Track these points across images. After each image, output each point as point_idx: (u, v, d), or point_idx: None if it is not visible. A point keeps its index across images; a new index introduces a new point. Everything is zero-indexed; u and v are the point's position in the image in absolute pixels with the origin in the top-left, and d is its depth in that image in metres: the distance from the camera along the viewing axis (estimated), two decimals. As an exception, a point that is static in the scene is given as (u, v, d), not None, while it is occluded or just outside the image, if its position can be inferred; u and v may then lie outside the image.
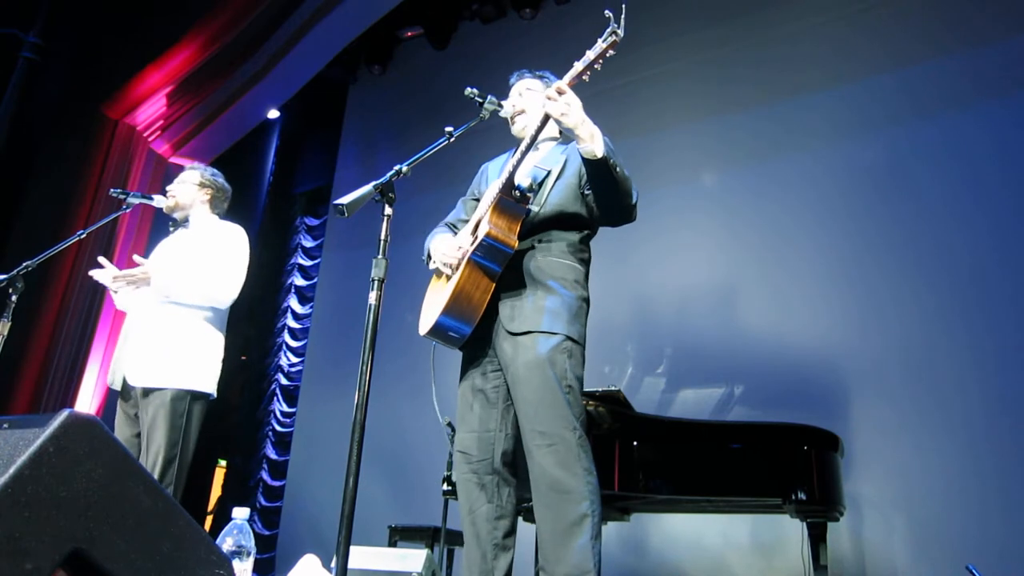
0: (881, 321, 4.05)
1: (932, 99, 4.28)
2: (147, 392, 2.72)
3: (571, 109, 1.90)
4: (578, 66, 1.93)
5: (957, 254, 3.94)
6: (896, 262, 4.09)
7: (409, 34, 7.01)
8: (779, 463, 2.89)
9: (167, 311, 2.81)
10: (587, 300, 2.13)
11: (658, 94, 5.24)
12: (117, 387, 2.83)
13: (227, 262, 2.89)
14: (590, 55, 1.91)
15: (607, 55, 1.90)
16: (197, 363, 2.80)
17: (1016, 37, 4.10)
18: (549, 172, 2.17)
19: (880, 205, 4.24)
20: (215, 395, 2.87)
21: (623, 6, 1.87)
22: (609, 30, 1.87)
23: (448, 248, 2.15)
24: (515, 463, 2.10)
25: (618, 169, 1.99)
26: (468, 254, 2.01)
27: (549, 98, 1.93)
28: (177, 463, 2.67)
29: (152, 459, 2.64)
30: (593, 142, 1.93)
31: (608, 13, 1.87)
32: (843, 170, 4.43)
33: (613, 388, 3.09)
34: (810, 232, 4.42)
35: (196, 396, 2.77)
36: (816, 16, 4.82)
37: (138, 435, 2.76)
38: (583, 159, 1.98)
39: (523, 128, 2.26)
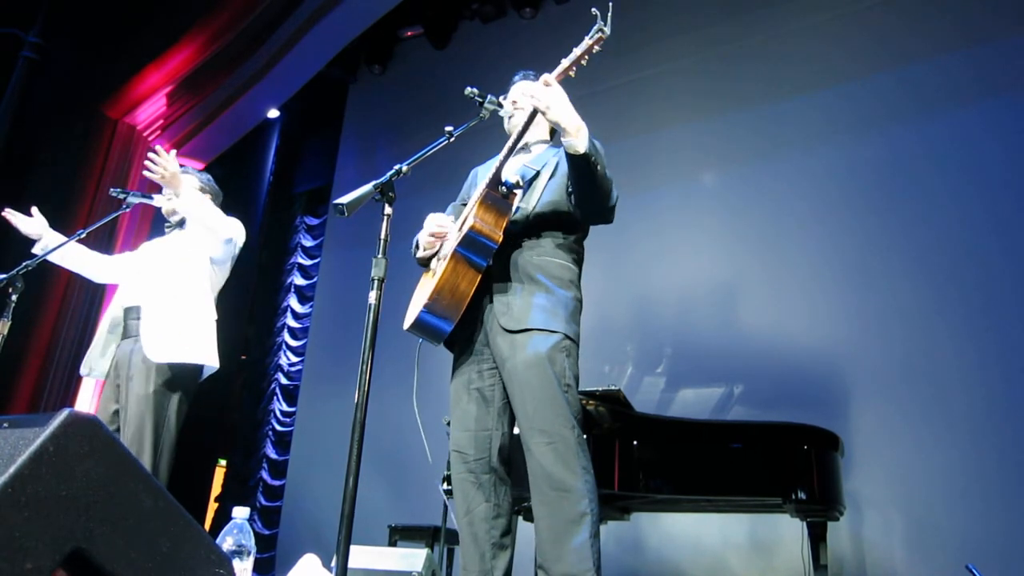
0: (882, 320, 4.05)
1: (934, 96, 4.28)
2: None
3: (554, 103, 1.91)
4: (565, 62, 1.95)
5: (959, 253, 3.94)
6: (898, 261, 4.09)
7: (409, 34, 7.02)
8: (779, 463, 2.89)
9: (169, 302, 2.84)
10: (581, 300, 2.13)
11: (658, 93, 5.24)
12: (94, 376, 2.87)
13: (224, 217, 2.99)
14: (577, 51, 1.93)
15: (593, 51, 1.92)
16: (192, 338, 2.84)
17: (1018, 34, 4.10)
18: (539, 172, 2.17)
19: (881, 203, 4.24)
20: (212, 367, 2.92)
21: (609, 4, 1.88)
22: (596, 27, 1.89)
23: (442, 218, 2.17)
24: (510, 462, 2.09)
25: (599, 168, 1.99)
26: (453, 247, 2.00)
27: (543, 85, 1.93)
28: (161, 440, 2.72)
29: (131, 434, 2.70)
30: (577, 137, 1.93)
31: (595, 11, 1.88)
32: (844, 168, 4.43)
33: (613, 388, 3.09)
34: (811, 231, 4.42)
35: (183, 371, 2.81)
36: (817, 14, 4.82)
37: (117, 412, 2.81)
38: (566, 153, 1.99)
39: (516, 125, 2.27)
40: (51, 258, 3.00)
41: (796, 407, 3.91)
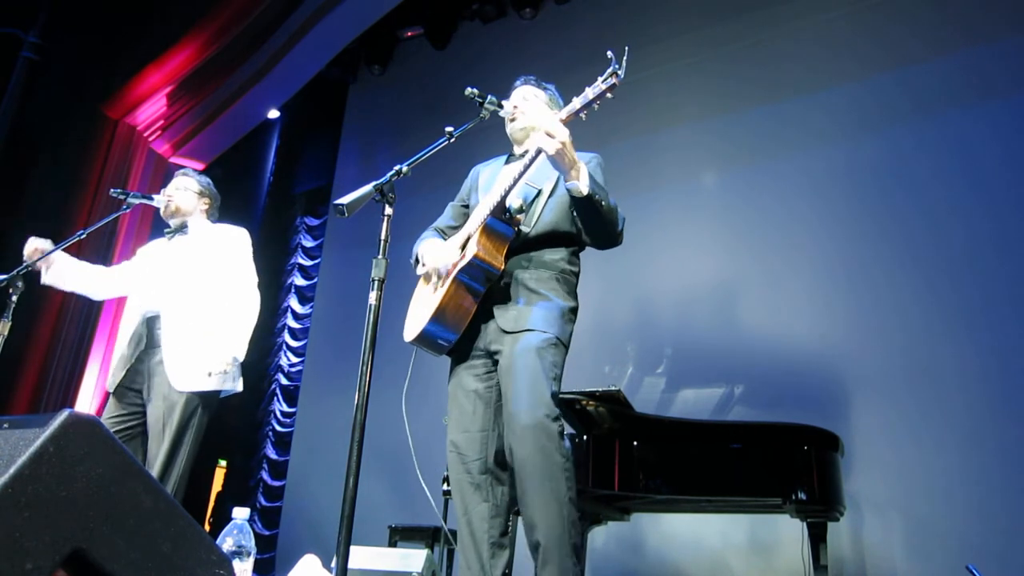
0: (881, 320, 4.05)
1: (934, 98, 4.28)
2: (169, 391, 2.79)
3: (566, 148, 1.90)
4: (576, 103, 1.91)
5: (958, 253, 3.94)
6: (897, 261, 4.09)
7: (409, 34, 7.02)
8: (779, 463, 2.89)
9: (189, 317, 2.86)
10: (576, 309, 2.17)
11: (659, 93, 5.24)
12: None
13: (243, 286, 2.99)
14: (589, 94, 1.89)
15: (606, 96, 1.88)
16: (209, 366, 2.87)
17: (1017, 35, 4.10)
18: (540, 191, 2.18)
19: (881, 204, 4.24)
20: (230, 391, 2.97)
21: (626, 48, 1.85)
22: (610, 71, 1.84)
23: (440, 255, 2.18)
24: (504, 461, 2.10)
25: (603, 203, 2.01)
26: (454, 273, 2.04)
27: (548, 134, 1.90)
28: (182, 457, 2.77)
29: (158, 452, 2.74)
30: (579, 179, 1.95)
31: (609, 54, 1.84)
32: (844, 169, 4.43)
33: (613, 388, 3.09)
34: (811, 231, 4.42)
35: (205, 396, 2.87)
36: (817, 15, 4.82)
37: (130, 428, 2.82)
38: (570, 194, 2.00)
39: (520, 128, 2.28)
40: (49, 280, 2.98)
41: (796, 407, 3.91)
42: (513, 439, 1.94)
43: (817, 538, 2.86)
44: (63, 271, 3.01)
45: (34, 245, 2.93)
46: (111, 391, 2.88)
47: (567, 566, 1.85)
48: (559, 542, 1.86)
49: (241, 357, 2.90)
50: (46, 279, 2.98)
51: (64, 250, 2.99)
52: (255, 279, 3.03)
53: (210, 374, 2.79)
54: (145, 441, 2.82)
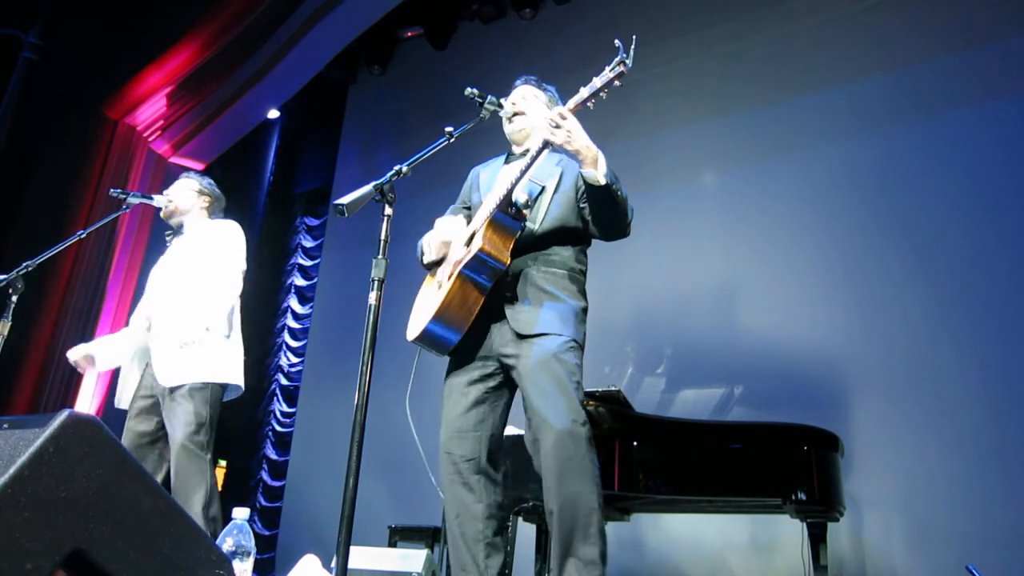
0: (882, 320, 4.05)
1: (933, 98, 4.28)
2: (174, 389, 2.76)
3: (573, 136, 1.90)
4: (583, 92, 1.91)
5: (959, 253, 3.94)
6: (897, 261, 4.09)
7: (409, 34, 7.02)
8: (779, 463, 2.89)
9: (176, 314, 2.84)
10: (586, 310, 2.16)
11: (659, 94, 5.24)
12: (125, 406, 2.85)
13: (223, 266, 2.92)
14: (596, 83, 1.88)
15: (613, 85, 1.87)
16: (214, 358, 2.84)
17: (1017, 35, 4.10)
18: (544, 187, 2.17)
19: (881, 204, 4.24)
20: (233, 385, 2.92)
21: (633, 37, 1.84)
22: (617, 59, 1.84)
23: (449, 228, 2.17)
24: (497, 462, 2.10)
25: (620, 194, 2.00)
26: (459, 267, 2.02)
27: (554, 124, 1.90)
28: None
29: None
30: (597, 168, 1.94)
31: (617, 42, 1.84)
32: (844, 169, 4.43)
33: (613, 388, 3.09)
34: (811, 232, 4.41)
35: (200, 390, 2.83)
36: (817, 15, 4.82)
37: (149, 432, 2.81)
38: (585, 183, 2.00)
39: (520, 129, 2.27)
40: (104, 368, 2.99)
41: (796, 407, 3.91)
42: (543, 448, 1.92)
43: (817, 538, 2.86)
44: (109, 355, 2.96)
45: (79, 355, 2.91)
46: (126, 409, 2.85)
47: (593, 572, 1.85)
48: (585, 544, 1.86)
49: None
50: (101, 369, 2.97)
51: (63, 250, 2.98)
52: (240, 266, 2.94)
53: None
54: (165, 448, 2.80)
